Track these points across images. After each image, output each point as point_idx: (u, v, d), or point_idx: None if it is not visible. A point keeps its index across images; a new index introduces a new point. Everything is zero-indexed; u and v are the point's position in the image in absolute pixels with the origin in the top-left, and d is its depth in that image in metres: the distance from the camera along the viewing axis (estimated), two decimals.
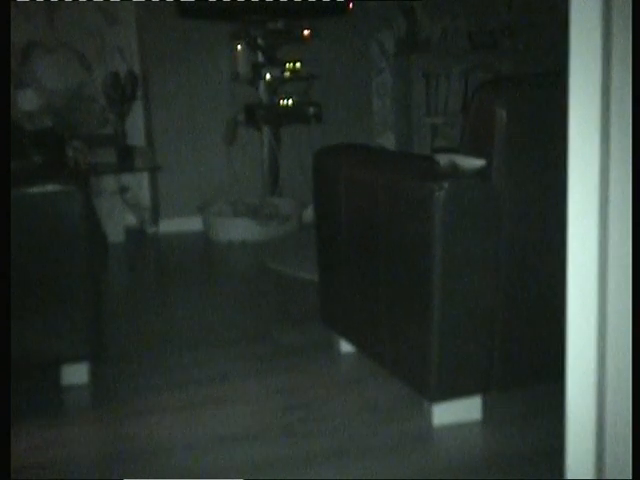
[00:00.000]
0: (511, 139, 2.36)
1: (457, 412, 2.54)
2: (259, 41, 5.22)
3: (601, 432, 1.61)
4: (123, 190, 5.34)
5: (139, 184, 5.60)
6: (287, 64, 5.25)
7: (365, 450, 2.43)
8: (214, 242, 5.15)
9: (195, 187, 5.47)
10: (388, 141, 6.04)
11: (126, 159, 5.20)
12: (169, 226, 5.43)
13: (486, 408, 2.58)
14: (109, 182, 5.23)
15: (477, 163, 2.38)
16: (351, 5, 5.22)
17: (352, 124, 5.71)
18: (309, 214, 4.77)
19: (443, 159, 2.47)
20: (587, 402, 1.61)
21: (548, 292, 2.46)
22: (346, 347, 3.11)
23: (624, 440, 1.55)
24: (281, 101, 5.32)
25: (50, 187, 2.71)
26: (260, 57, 5.29)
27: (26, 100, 5.17)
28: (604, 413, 1.61)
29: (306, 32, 5.25)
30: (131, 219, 5.49)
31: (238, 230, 5.09)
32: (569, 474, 1.67)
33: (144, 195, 5.63)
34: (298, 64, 5.27)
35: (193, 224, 5.38)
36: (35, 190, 2.70)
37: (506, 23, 5.97)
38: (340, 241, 2.92)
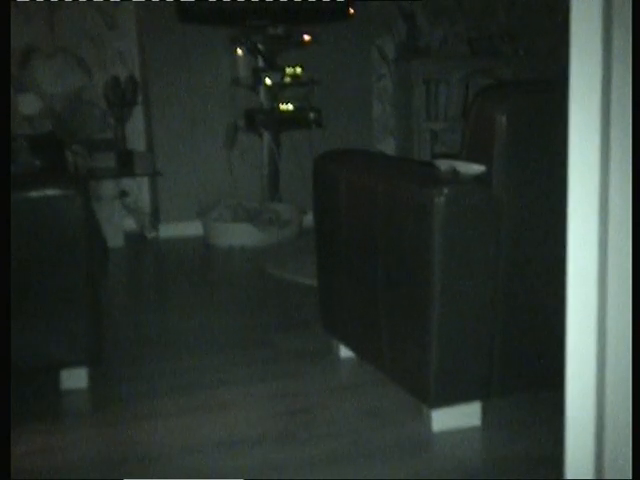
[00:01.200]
0: (511, 145, 2.36)
1: (456, 418, 2.54)
2: (259, 46, 5.22)
3: (601, 433, 1.61)
4: (123, 195, 5.33)
5: (139, 189, 5.61)
6: (287, 69, 5.25)
7: (364, 455, 2.43)
8: (214, 247, 5.14)
9: (195, 192, 5.47)
10: (388, 146, 6.05)
11: (126, 164, 5.20)
12: (169, 231, 5.43)
13: (485, 414, 2.58)
14: (109, 187, 5.22)
15: (477, 169, 2.38)
16: (352, 10, 5.23)
17: (352, 129, 5.71)
18: (309, 219, 4.76)
19: (443, 165, 2.47)
20: (587, 404, 1.61)
21: (548, 298, 2.46)
22: (346, 352, 3.11)
23: (624, 441, 1.55)
24: (281, 106, 5.32)
25: (50, 191, 2.71)
26: (260, 62, 5.29)
27: (26, 104, 5.17)
28: (604, 414, 1.60)
29: (306, 37, 5.25)
30: (131, 224, 5.49)
31: (238, 235, 5.09)
32: (568, 474, 1.67)
33: (144, 200, 5.64)
34: (298, 69, 5.28)
35: (193, 229, 5.38)
36: (35, 194, 2.70)
37: (506, 29, 5.98)
38: (340, 246, 2.92)
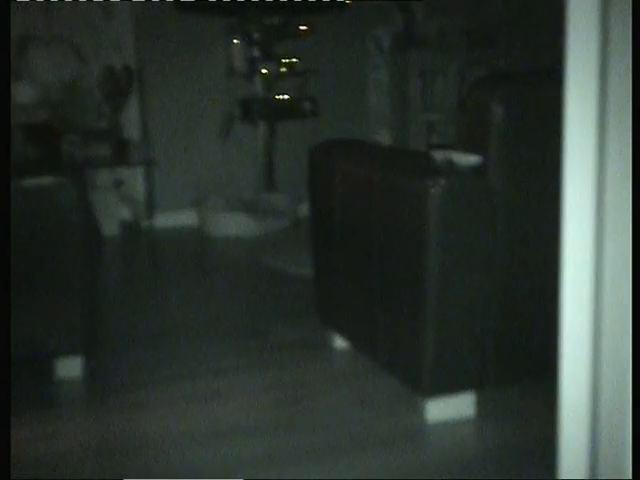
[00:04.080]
0: (507, 136, 2.36)
1: (450, 408, 2.54)
2: (255, 36, 5.21)
3: (595, 431, 1.61)
4: (118, 184, 5.33)
5: (134, 178, 5.59)
6: (283, 59, 5.25)
7: (359, 445, 2.43)
8: (209, 237, 5.14)
9: (190, 181, 5.47)
10: (384, 137, 6.04)
11: (121, 153, 5.19)
12: (164, 220, 5.42)
13: (480, 404, 2.58)
14: (104, 176, 5.22)
15: (473, 160, 2.38)
16: (348, 1, 5.22)
17: (348, 120, 5.71)
18: (304, 209, 4.76)
19: (439, 155, 2.47)
20: (581, 399, 1.61)
21: (543, 288, 2.47)
22: (340, 343, 3.11)
23: (619, 439, 1.55)
24: (277, 96, 5.32)
25: (45, 180, 2.71)
26: (256, 52, 5.28)
27: (21, 93, 5.15)
28: (599, 410, 1.60)
29: (303, 27, 5.24)
30: (126, 213, 5.48)
31: (233, 225, 5.09)
32: (562, 474, 1.67)
33: (139, 189, 5.62)
34: (294, 59, 5.27)
35: (188, 218, 5.38)
36: (30, 183, 2.70)
37: (503, 20, 5.97)
38: (335, 237, 2.91)
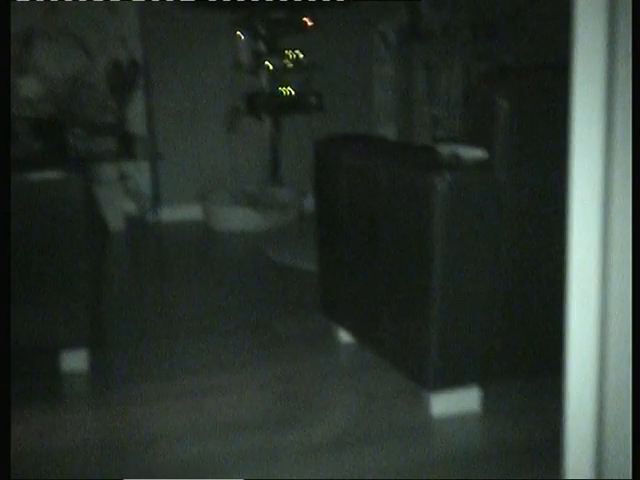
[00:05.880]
0: (512, 130, 2.36)
1: (455, 403, 2.54)
2: (261, 30, 5.21)
3: (601, 430, 1.61)
4: (123, 178, 5.33)
5: (140, 172, 5.59)
6: (289, 54, 5.24)
7: (364, 440, 2.43)
8: (214, 231, 5.14)
9: (196, 176, 5.46)
10: (389, 131, 6.03)
11: (127, 147, 5.19)
12: (169, 214, 5.42)
13: (485, 399, 2.58)
14: (110, 170, 5.21)
15: (478, 154, 2.38)
16: None
17: (353, 114, 5.70)
18: (309, 203, 4.76)
19: (445, 150, 2.46)
20: (587, 396, 1.61)
21: (549, 282, 2.46)
22: (346, 337, 3.11)
23: (625, 439, 1.55)
24: (282, 90, 5.31)
25: (50, 174, 2.71)
26: (262, 46, 5.28)
27: (27, 87, 5.16)
28: (604, 409, 1.60)
29: (308, 22, 5.24)
30: (131, 207, 5.48)
31: (238, 219, 5.09)
32: (568, 474, 1.66)
33: (144, 183, 5.62)
34: (300, 54, 5.26)
35: (193, 213, 5.38)
36: (36, 177, 2.70)
37: (509, 13, 5.95)
38: (341, 231, 2.91)
